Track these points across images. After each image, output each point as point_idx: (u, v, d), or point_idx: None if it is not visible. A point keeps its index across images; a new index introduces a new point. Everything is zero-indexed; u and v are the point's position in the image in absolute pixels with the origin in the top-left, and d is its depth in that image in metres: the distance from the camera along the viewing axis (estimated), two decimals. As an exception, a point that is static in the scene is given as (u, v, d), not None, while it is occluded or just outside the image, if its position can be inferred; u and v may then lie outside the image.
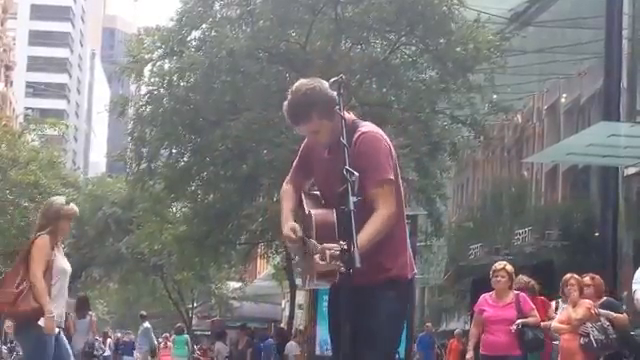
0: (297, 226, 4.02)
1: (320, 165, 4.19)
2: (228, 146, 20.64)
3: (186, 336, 28.02)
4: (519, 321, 8.84)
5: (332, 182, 3.94)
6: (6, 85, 54.86)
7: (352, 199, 3.52)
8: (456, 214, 31.01)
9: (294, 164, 4.40)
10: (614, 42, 16.27)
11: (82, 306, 16.65)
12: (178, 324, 30.21)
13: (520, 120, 27.28)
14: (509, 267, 9.10)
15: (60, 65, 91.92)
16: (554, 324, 9.53)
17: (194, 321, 41.09)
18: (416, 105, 20.67)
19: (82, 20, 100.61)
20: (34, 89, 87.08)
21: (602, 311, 9.18)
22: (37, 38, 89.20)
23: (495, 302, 9.01)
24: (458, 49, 20.12)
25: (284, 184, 4.36)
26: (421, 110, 20.73)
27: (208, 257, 25.70)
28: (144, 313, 26.32)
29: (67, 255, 30.35)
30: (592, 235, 17.85)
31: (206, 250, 24.40)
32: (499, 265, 9.16)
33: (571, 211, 21.37)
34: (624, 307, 10.09)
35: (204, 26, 21.62)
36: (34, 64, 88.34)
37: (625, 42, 18.23)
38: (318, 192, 4.28)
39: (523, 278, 10.26)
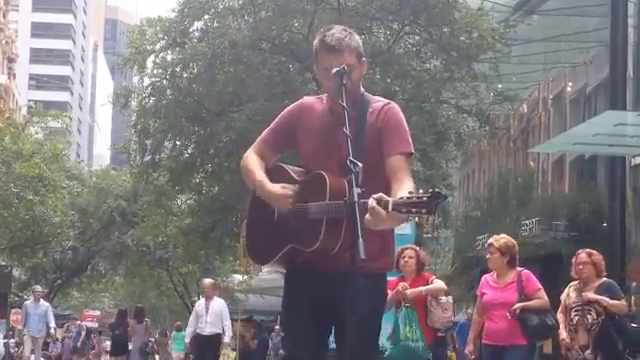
0: (286, 184, 3.80)
1: (316, 134, 3.89)
2: (232, 138, 20.55)
3: (184, 333, 28.57)
4: (517, 305, 7.75)
5: (335, 152, 3.76)
6: (9, 77, 54.76)
7: (356, 190, 3.41)
8: (462, 205, 30.90)
9: (266, 135, 4.04)
10: (620, 30, 16.08)
11: (140, 314, 21.73)
12: (177, 322, 30.61)
13: (526, 110, 27.14)
14: (501, 241, 7.98)
15: (63, 57, 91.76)
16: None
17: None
18: (420, 95, 20.57)
19: (84, 11, 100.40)
20: (37, 81, 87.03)
21: (595, 296, 8.15)
22: (39, 30, 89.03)
23: (496, 283, 7.99)
24: (462, 38, 20.02)
25: (249, 153, 4.02)
26: (426, 100, 20.63)
27: (213, 250, 25.67)
28: (39, 288, 19.99)
29: (72, 248, 30.21)
30: (600, 225, 17.70)
31: (211, 242, 24.37)
32: (489, 240, 8.14)
33: (578, 201, 21.22)
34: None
35: (206, 17, 21.55)
36: (37, 56, 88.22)
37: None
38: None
39: None
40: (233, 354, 19.99)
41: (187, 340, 15.26)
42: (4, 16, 55.26)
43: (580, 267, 8.28)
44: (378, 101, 3.93)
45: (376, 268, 3.78)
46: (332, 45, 3.84)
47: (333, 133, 3.82)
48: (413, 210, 3.38)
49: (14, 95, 57.00)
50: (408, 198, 3.40)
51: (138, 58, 22.30)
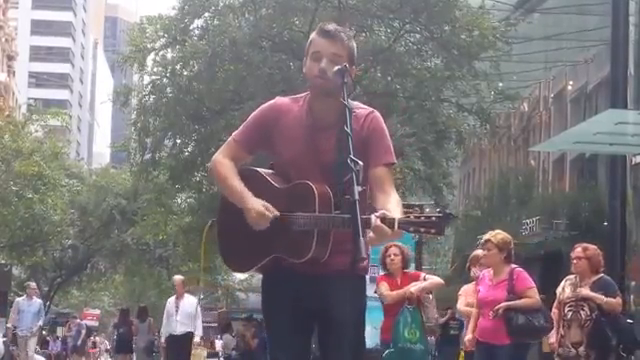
0: (269, 205, 3.68)
1: (296, 139, 3.80)
2: (232, 136, 20.51)
3: None
4: (502, 304, 7.57)
5: (316, 157, 3.74)
6: (9, 75, 54.72)
7: (357, 189, 3.39)
8: (463, 204, 30.88)
9: (239, 135, 3.90)
10: (621, 29, 16.03)
11: (143, 313, 21.82)
12: None
13: (526, 108, 27.12)
14: (498, 237, 7.82)
15: (62, 55, 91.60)
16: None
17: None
18: (421, 93, 20.53)
19: (84, 9, 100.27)
20: (37, 79, 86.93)
21: (589, 293, 7.92)
22: (39, 27, 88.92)
23: (490, 280, 7.87)
24: (463, 36, 19.98)
25: (219, 158, 3.88)
26: (426, 98, 20.59)
27: (213, 248, 25.61)
28: (33, 285, 19.32)
29: (72, 247, 29.79)
30: (600, 224, 17.68)
31: (211, 241, 24.30)
32: (486, 236, 7.94)
33: (579, 200, 21.21)
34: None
35: (206, 14, 21.50)
36: (36, 54, 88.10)
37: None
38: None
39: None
40: (205, 353, 19.74)
41: (162, 340, 14.55)
42: (4, 13, 55.24)
43: (574, 262, 8.12)
44: (361, 108, 3.85)
45: (361, 270, 3.74)
46: (328, 30, 3.84)
47: (314, 137, 3.79)
48: (421, 230, 3.36)
49: (14, 93, 56.95)
50: (416, 217, 3.37)
51: (138, 56, 22.25)
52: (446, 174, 21.85)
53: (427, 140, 19.99)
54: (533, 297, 7.68)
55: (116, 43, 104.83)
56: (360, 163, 3.43)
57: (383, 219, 3.36)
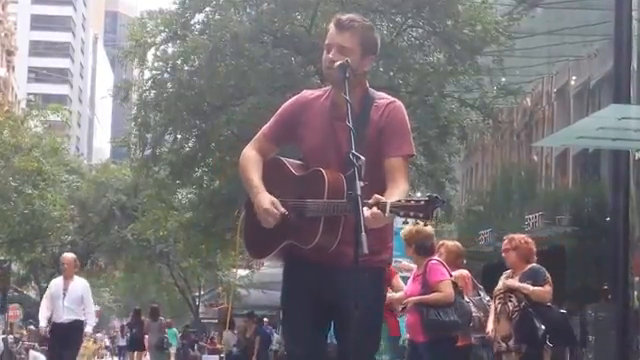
0: (277, 201, 3.78)
1: (317, 129, 3.87)
2: (233, 131, 20.44)
3: (175, 330, 30.49)
4: (411, 299, 7.35)
5: (335, 147, 3.78)
6: (8, 70, 54.59)
7: (359, 184, 3.43)
8: (465, 199, 30.86)
9: (267, 129, 4.02)
10: (624, 23, 15.90)
11: (154, 313, 23.72)
12: (168, 319, 31.04)
13: (529, 103, 27.07)
14: (405, 230, 7.60)
15: (62, 50, 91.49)
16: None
17: (201, 309, 40.93)
18: (424, 88, 20.43)
19: (84, 3, 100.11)
20: (36, 74, 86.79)
21: (515, 283, 7.62)
22: (39, 22, 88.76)
23: (415, 273, 7.73)
24: (466, 31, 19.87)
25: (247, 150, 4.01)
26: (429, 93, 20.49)
27: (214, 244, 25.55)
28: None
29: (72, 243, 29.95)
30: (603, 220, 17.61)
31: (212, 237, 24.24)
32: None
33: (582, 196, 21.18)
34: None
35: (208, 9, 21.41)
36: (36, 49, 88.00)
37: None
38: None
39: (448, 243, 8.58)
40: (93, 347, 19.21)
41: (43, 324, 11.98)
42: (3, 8, 55.12)
43: (504, 255, 7.88)
44: (382, 98, 3.90)
45: (377, 262, 3.78)
46: (340, 19, 3.86)
47: (334, 128, 3.82)
48: (411, 214, 3.43)
49: (13, 88, 56.85)
50: (406, 201, 3.45)
51: (139, 51, 22.16)
52: (448, 169, 21.81)
53: (429, 135, 19.93)
54: (444, 290, 7.37)
55: (116, 38, 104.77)
56: (362, 158, 3.45)
57: (376, 204, 3.44)
